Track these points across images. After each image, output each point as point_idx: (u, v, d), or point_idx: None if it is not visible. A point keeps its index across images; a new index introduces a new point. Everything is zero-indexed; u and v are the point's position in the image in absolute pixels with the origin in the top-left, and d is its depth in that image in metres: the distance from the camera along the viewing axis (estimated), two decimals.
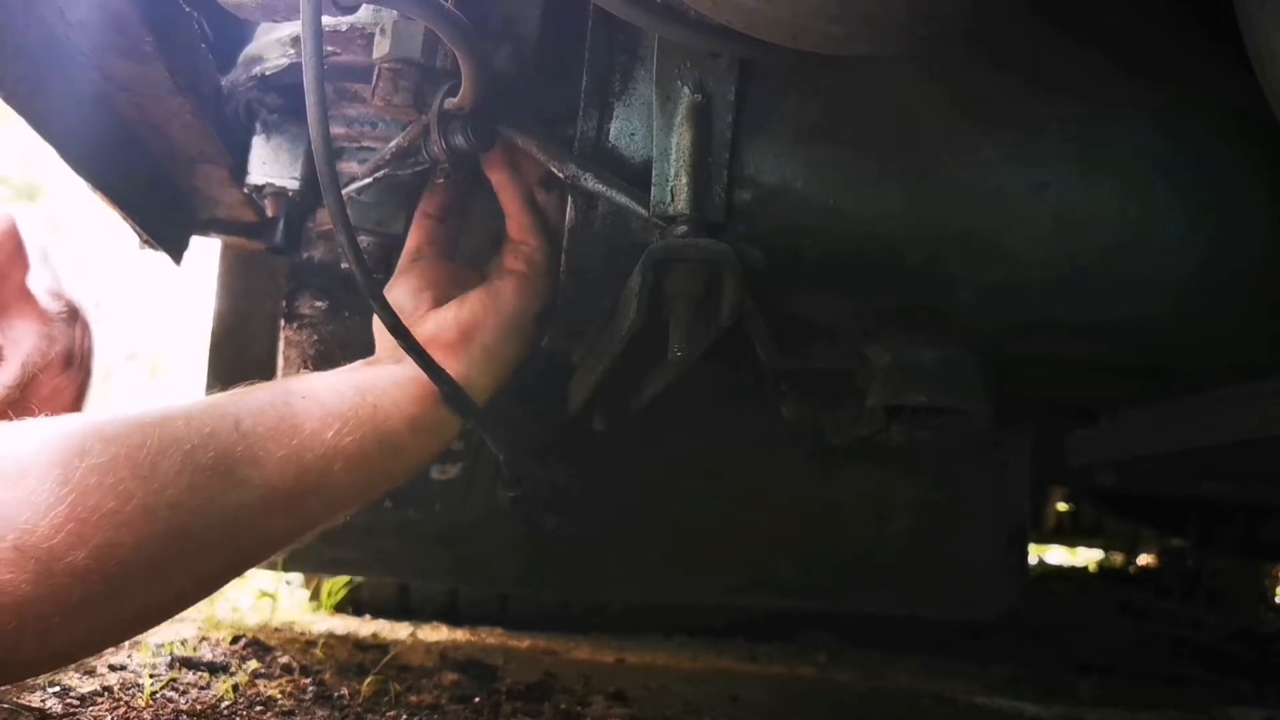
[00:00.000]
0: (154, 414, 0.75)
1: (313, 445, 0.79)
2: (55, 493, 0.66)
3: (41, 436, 0.70)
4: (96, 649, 0.80)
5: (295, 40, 0.94)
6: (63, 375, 1.09)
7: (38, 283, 1.10)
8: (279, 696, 1.23)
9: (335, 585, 1.92)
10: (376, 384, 0.87)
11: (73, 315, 1.12)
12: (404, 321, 0.92)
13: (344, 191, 0.99)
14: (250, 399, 0.80)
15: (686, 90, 0.81)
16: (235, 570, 0.82)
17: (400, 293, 0.97)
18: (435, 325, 0.92)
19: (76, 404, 1.00)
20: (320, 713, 1.19)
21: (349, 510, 0.87)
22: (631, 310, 0.82)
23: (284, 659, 1.41)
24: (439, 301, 0.95)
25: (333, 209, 0.78)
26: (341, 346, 1.23)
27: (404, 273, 0.99)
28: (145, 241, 1.10)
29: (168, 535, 0.71)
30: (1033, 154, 0.84)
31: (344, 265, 0.83)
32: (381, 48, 0.87)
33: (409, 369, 0.87)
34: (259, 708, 1.18)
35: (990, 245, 0.85)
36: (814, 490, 1.53)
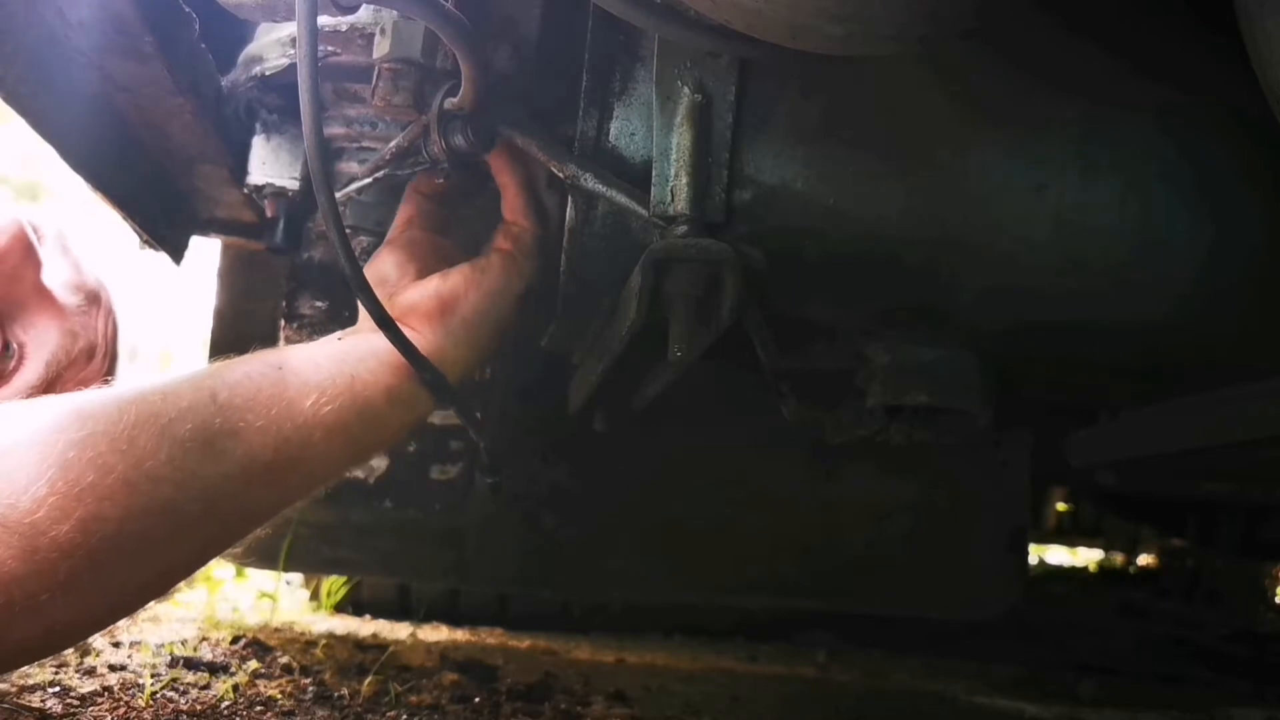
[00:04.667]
0: (131, 390, 0.75)
1: (291, 416, 0.79)
2: (35, 468, 0.66)
3: (19, 416, 0.70)
4: (89, 630, 0.79)
5: (295, 40, 0.94)
6: (87, 368, 1.10)
7: (54, 277, 1.10)
8: (279, 696, 1.23)
9: (335, 585, 1.92)
10: (354, 354, 0.86)
11: (93, 303, 1.12)
12: (386, 290, 0.92)
13: (344, 191, 0.99)
14: (228, 372, 0.80)
15: (686, 90, 0.81)
16: (219, 545, 0.81)
17: (386, 262, 0.96)
18: (417, 294, 0.92)
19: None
20: (320, 713, 1.19)
21: (327, 482, 0.86)
22: (631, 310, 0.82)
23: (284, 659, 1.41)
24: (424, 274, 0.94)
25: (324, 206, 0.78)
26: None
27: (391, 243, 0.98)
28: (145, 241, 1.10)
29: (151, 509, 0.71)
30: (1033, 154, 0.84)
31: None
32: (381, 48, 0.87)
33: (386, 340, 0.87)
34: (259, 708, 1.18)
35: (990, 245, 0.85)
36: (814, 490, 1.53)
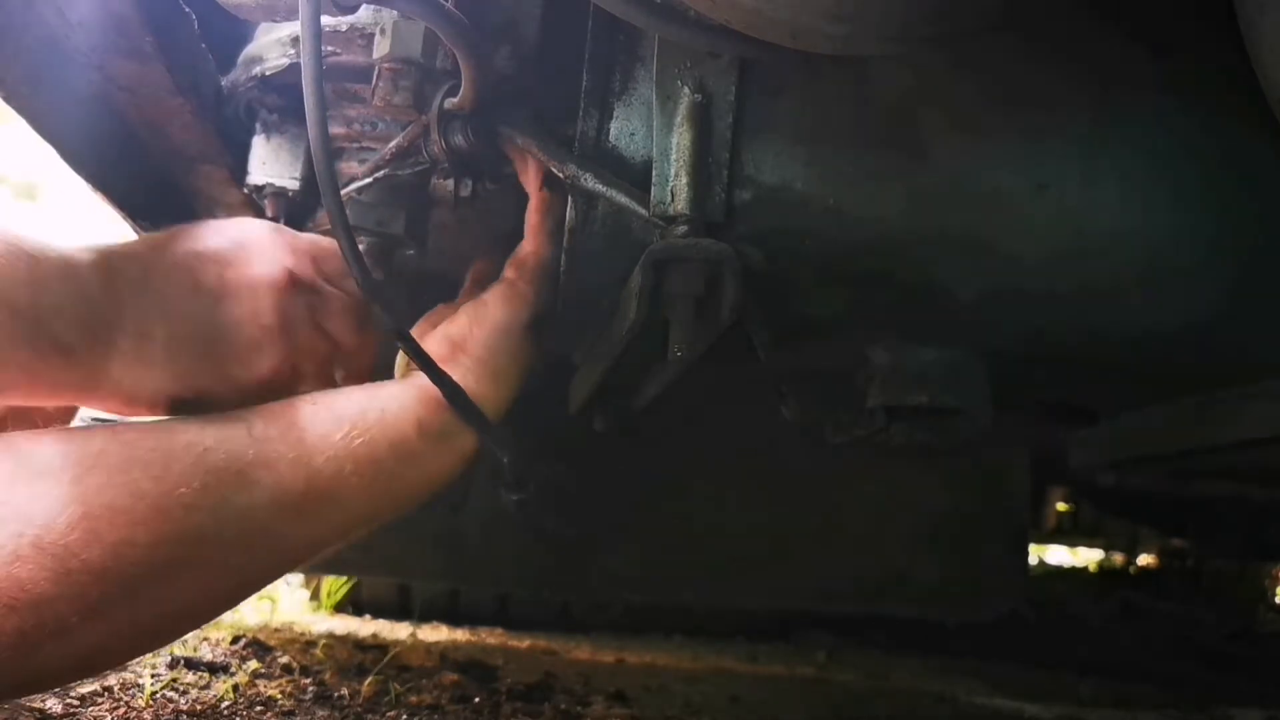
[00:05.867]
0: (168, 421, 0.76)
1: (323, 448, 0.79)
2: (70, 490, 0.67)
3: (60, 440, 0.71)
4: (119, 656, 0.80)
5: (295, 40, 0.94)
6: None
7: None
8: (279, 696, 1.23)
9: (335, 585, 1.92)
10: (385, 390, 0.87)
11: None
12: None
13: (344, 191, 0.99)
14: (263, 407, 0.81)
15: (686, 90, 0.81)
16: (253, 578, 0.82)
17: (414, 331, 0.98)
18: (427, 343, 0.93)
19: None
20: (320, 713, 1.19)
21: (369, 523, 0.85)
22: (631, 310, 0.82)
23: (284, 659, 1.41)
24: None
25: (331, 210, 0.78)
26: None
27: (421, 319, 1.00)
28: None
29: (182, 535, 0.71)
30: (1033, 154, 0.84)
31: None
32: (381, 48, 0.87)
33: (418, 378, 0.88)
34: (259, 708, 1.18)
35: (990, 245, 0.85)
36: (814, 490, 1.53)
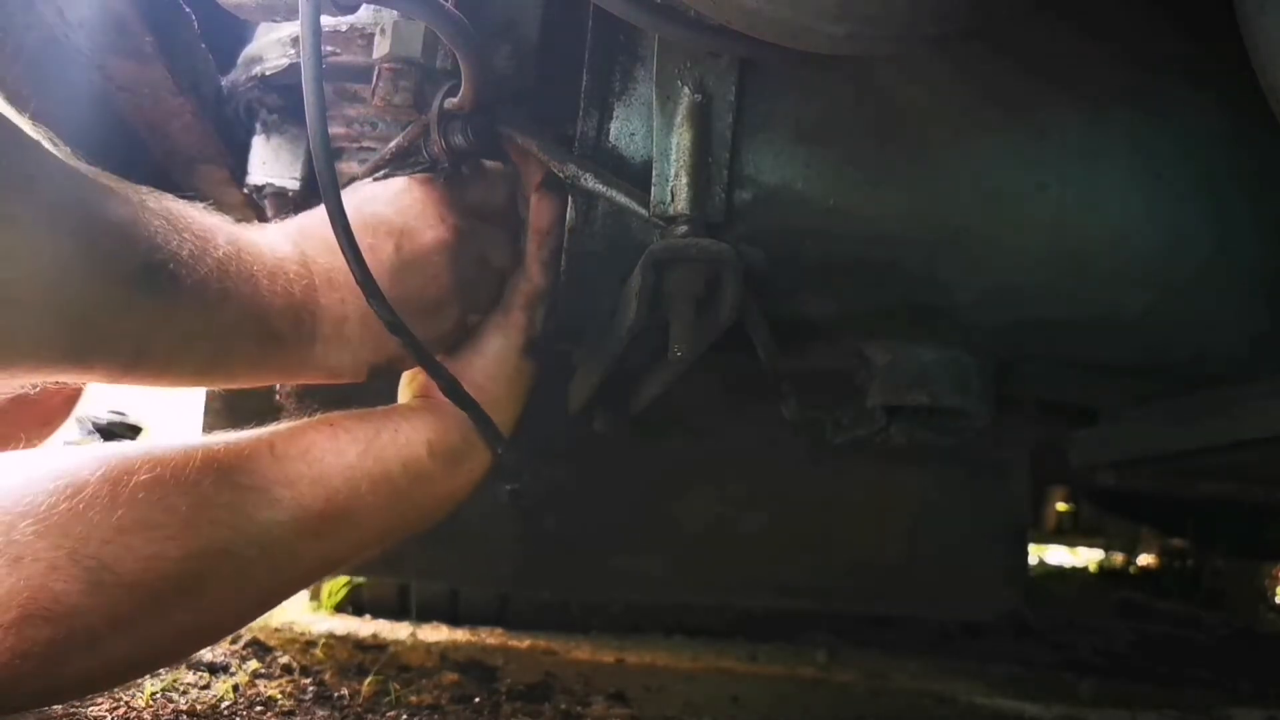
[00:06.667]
0: (197, 440, 0.79)
1: (339, 468, 0.83)
2: (106, 506, 0.69)
3: (98, 457, 0.73)
4: (146, 667, 0.83)
5: (295, 40, 0.94)
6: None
7: None
8: (279, 696, 1.23)
9: (335, 585, 1.92)
10: (398, 413, 0.90)
11: None
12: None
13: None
14: (285, 428, 0.84)
15: (686, 90, 0.81)
16: (270, 595, 0.84)
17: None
18: (427, 381, 0.95)
19: (75, 393, 1.01)
20: (320, 713, 1.19)
21: (382, 541, 0.88)
22: (631, 310, 0.82)
23: (284, 659, 1.41)
24: None
25: (331, 210, 0.78)
26: None
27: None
28: None
29: (208, 550, 0.74)
30: (1033, 154, 0.84)
31: None
32: (381, 48, 0.87)
33: (429, 401, 0.91)
34: (259, 708, 1.18)
35: (990, 245, 0.85)
36: (814, 490, 1.53)
